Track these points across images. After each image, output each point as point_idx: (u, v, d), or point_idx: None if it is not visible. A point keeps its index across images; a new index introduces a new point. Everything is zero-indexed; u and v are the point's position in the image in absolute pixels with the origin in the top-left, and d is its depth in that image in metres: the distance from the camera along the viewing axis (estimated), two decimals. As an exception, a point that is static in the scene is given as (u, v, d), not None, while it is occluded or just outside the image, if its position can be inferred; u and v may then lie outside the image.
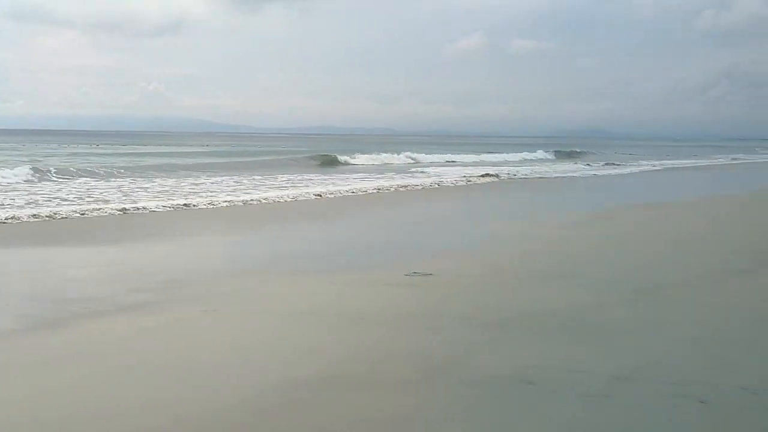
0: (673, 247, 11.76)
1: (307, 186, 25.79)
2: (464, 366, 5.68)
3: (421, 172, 37.24)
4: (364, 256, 11.36)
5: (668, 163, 54.16)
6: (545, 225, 15.02)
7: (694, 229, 14.65)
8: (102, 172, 30.85)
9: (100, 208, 17.10)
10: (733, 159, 65.62)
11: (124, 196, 21.24)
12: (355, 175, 32.80)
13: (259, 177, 29.66)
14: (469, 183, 29.39)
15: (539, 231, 14.01)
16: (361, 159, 45.92)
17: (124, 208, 17.24)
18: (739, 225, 14.90)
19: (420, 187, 26.57)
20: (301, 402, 4.91)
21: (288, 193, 22.49)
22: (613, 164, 49.54)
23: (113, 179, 27.82)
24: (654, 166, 48.89)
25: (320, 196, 22.19)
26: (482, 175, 32.67)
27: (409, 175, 34.66)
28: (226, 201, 19.92)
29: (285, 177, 30.31)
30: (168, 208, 17.85)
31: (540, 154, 62.42)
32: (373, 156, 47.81)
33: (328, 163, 43.17)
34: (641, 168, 45.45)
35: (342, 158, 44.94)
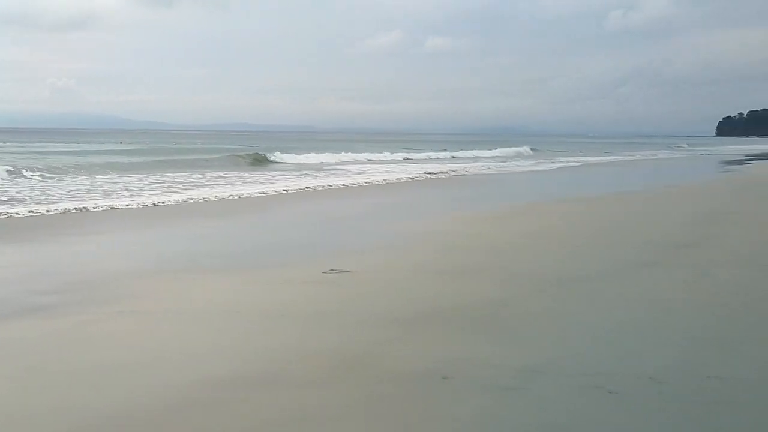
0: (584, 241, 12.03)
1: (234, 185, 25.35)
2: (379, 362, 5.68)
3: (361, 170, 37.04)
4: (282, 253, 11.26)
5: (582, 159, 55.73)
6: (462, 220, 15.18)
7: (605, 223, 14.99)
8: (8, 171, 29.57)
9: (7, 213, 16.19)
10: (651, 155, 68.06)
11: (32, 195, 20.44)
12: (287, 174, 32.52)
13: (185, 175, 29.00)
14: (402, 180, 29.45)
15: (456, 227, 14.16)
16: (292, 157, 44.75)
17: (31, 210, 16.52)
18: (649, 219, 15.31)
19: (348, 186, 26.52)
20: (213, 401, 4.84)
21: (212, 192, 22.10)
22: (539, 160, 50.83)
23: (21, 178, 26.76)
24: (569, 162, 50.14)
25: (237, 197, 21.89)
26: (429, 173, 32.83)
27: (343, 173, 34.53)
28: (147, 201, 19.33)
29: (213, 174, 29.82)
30: (81, 209, 17.21)
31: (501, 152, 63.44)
32: (310, 155, 46.88)
33: (257, 161, 41.66)
34: (557, 164, 46.50)
35: (271, 156, 43.92)
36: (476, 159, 53.20)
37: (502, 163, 47.05)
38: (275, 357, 5.83)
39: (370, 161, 47.63)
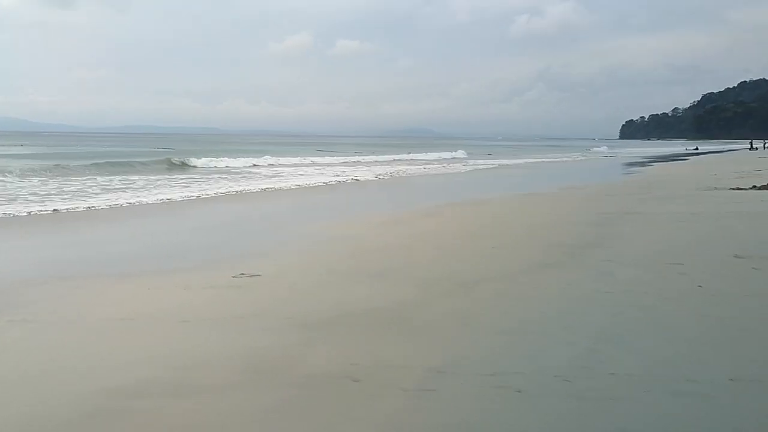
0: (492, 242, 12.20)
1: (141, 189, 24.92)
2: (290, 366, 5.68)
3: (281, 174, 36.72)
4: (191, 258, 11.13)
5: (492, 162, 56.78)
6: (372, 223, 15.26)
7: (512, 224, 15.26)
8: None
9: None
10: (558, 158, 69.89)
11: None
12: (200, 177, 32.10)
13: (91, 179, 28.33)
14: (320, 185, 29.33)
15: (368, 229, 14.22)
16: (207, 161, 43.83)
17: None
18: (554, 220, 15.67)
19: (263, 190, 26.35)
20: (120, 411, 4.77)
21: (120, 197, 21.70)
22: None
23: None
24: (478, 165, 51.02)
25: (145, 202, 21.46)
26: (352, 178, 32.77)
27: (259, 176, 34.23)
28: (48, 206, 18.84)
29: (119, 179, 29.30)
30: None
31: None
32: (225, 159, 45.95)
33: (175, 166, 40.46)
34: (468, 167, 47.23)
35: (186, 160, 42.69)
36: (396, 162, 53.69)
37: (434, 166, 47.57)
38: (183, 363, 5.76)
39: (292, 165, 47.38)
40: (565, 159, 69.27)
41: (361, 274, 9.54)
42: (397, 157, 62.28)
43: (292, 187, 28.12)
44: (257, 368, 5.63)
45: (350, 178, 34.00)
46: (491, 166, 49.62)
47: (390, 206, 20.49)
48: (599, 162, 63.34)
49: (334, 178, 32.95)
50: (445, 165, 51.28)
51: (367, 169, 43.04)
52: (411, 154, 67.12)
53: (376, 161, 55.96)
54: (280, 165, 46.40)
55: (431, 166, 49.32)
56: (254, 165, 44.76)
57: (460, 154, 71.79)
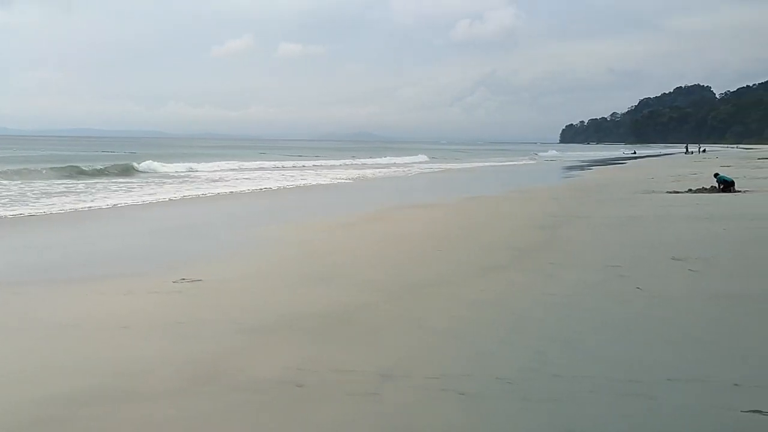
0: (437, 246, 12.28)
1: (90, 194, 24.36)
2: (233, 372, 5.62)
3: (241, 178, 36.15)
4: (132, 263, 10.97)
5: (440, 166, 57.21)
6: (316, 227, 15.22)
7: (457, 228, 15.34)
8: None
9: None
10: (502, 161, 70.80)
11: None
12: (149, 182, 31.55)
13: (32, 184, 27.56)
14: (266, 189, 29.07)
15: (310, 234, 14.17)
16: (159, 165, 42.60)
17: None
18: (498, 223, 15.83)
19: (210, 195, 26.05)
20: (57, 420, 4.66)
21: (62, 202, 21.19)
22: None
23: None
24: (423, 169, 51.29)
25: (71, 209, 21.04)
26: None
27: (208, 181, 33.70)
28: None
29: (59, 183, 28.70)
30: None
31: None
32: (176, 165, 44.72)
33: (119, 170, 38.70)
34: (414, 171, 47.43)
35: (137, 165, 41.23)
36: (344, 166, 53.61)
37: (387, 169, 47.59)
38: (125, 370, 5.66)
39: (237, 169, 46.74)
40: (513, 162, 70.10)
41: (306, 278, 9.49)
42: (346, 161, 62.15)
43: (238, 191, 27.81)
44: (200, 374, 5.56)
45: (299, 182, 33.85)
46: (439, 170, 49.90)
47: (337, 210, 20.45)
48: (544, 165, 64.24)
49: (281, 183, 32.72)
50: (396, 169, 51.32)
51: (315, 173, 42.89)
52: (357, 159, 67.06)
53: (324, 165, 55.74)
54: (226, 169, 45.75)
55: (383, 170, 49.32)
56: (198, 169, 43.97)
57: (421, 158, 72.14)
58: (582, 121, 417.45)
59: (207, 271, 9.89)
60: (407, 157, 70.55)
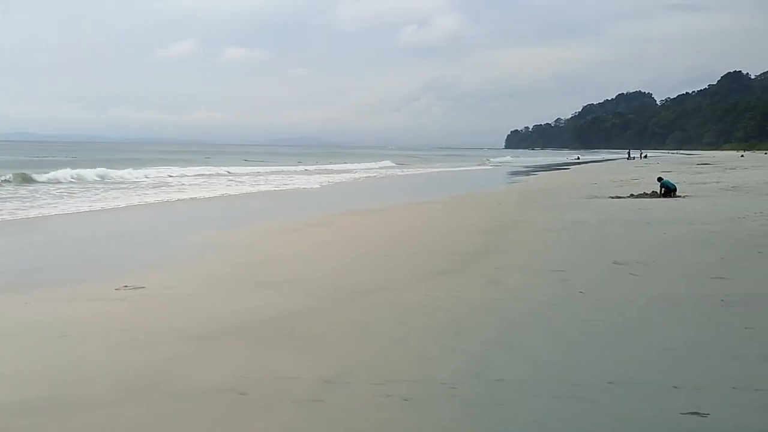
0: (383, 251, 12.29)
1: (31, 201, 23.77)
2: (176, 380, 5.55)
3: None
4: (73, 270, 10.78)
5: (392, 172, 57.35)
6: (265, 233, 15.14)
7: (403, 233, 15.39)
8: None
9: None
10: (447, 167, 71.24)
11: None
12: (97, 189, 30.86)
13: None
14: (213, 196, 28.64)
15: (256, 239, 14.08)
16: (102, 171, 40.63)
17: None
18: (443, 228, 15.90)
19: (157, 202, 25.66)
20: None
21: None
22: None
23: None
24: (369, 173, 51.35)
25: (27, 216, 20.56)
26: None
27: (153, 186, 33.11)
28: None
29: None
30: None
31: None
32: (120, 170, 43.28)
33: (60, 176, 37.19)
34: (356, 175, 47.46)
35: (79, 172, 39.34)
36: (295, 172, 53.14)
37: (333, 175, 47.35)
38: (65, 380, 5.56)
39: (181, 175, 45.75)
40: (466, 168, 70.58)
41: (251, 284, 9.43)
42: (294, 168, 61.54)
43: (184, 198, 27.39)
44: (141, 383, 5.47)
45: (247, 188, 33.58)
46: (386, 175, 49.99)
47: (284, 215, 20.34)
48: (493, 171, 64.89)
49: (229, 189, 32.41)
50: (348, 175, 51.21)
51: (263, 178, 42.58)
52: (310, 165, 66.67)
53: (275, 171, 55.14)
54: (173, 175, 44.90)
55: (332, 175, 49.19)
56: (143, 175, 42.94)
57: (386, 163, 72.51)
58: (527, 127, 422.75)
59: (151, 277, 9.76)
60: (368, 163, 70.60)
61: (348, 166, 66.46)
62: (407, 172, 57.39)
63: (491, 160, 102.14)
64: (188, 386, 5.42)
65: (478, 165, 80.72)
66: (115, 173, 40.99)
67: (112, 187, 32.52)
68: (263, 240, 13.99)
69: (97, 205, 22.86)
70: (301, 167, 61.46)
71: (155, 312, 7.88)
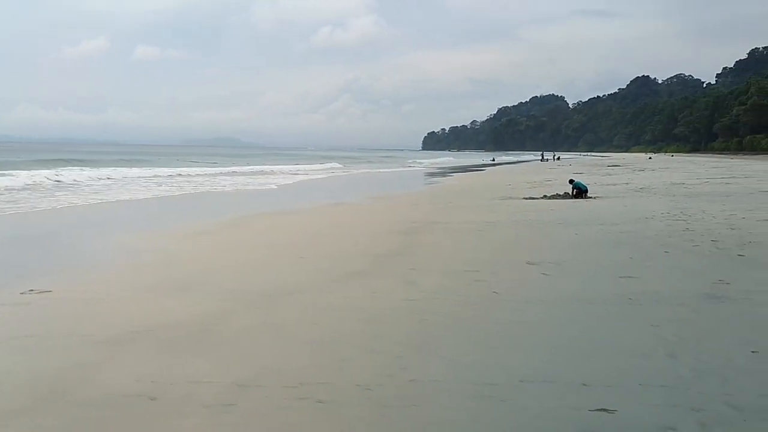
0: (297, 253, 12.19)
1: None
2: (83, 386, 5.40)
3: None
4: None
5: (306, 174, 57.01)
6: (176, 235, 14.84)
7: (321, 234, 15.31)
8: None
9: None
10: (369, 168, 71.29)
11: None
12: None
13: None
14: (126, 199, 27.73)
15: (169, 242, 13.80)
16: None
17: None
18: (358, 230, 15.89)
19: (68, 205, 24.81)
20: None
21: None
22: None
23: None
24: (287, 176, 51.05)
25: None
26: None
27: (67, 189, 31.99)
28: None
29: None
30: None
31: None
32: (27, 171, 41.45)
33: None
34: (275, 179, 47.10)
35: None
36: (211, 175, 51.94)
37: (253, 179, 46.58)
38: (-36, 389, 5.34)
39: (95, 177, 44.17)
40: (382, 169, 70.74)
41: (164, 287, 9.23)
42: (210, 170, 60.21)
43: (96, 201, 26.51)
44: (48, 390, 5.30)
45: (160, 191, 32.86)
46: (303, 178, 49.75)
47: (199, 217, 20.00)
48: (408, 172, 65.28)
49: (138, 191, 31.66)
50: (261, 177, 50.68)
51: (172, 181, 41.68)
52: (219, 166, 65.52)
53: (190, 173, 53.98)
54: (85, 177, 43.42)
55: (253, 178, 48.52)
56: (53, 176, 41.26)
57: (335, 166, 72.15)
58: (443, 129, 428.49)
59: (58, 281, 9.47)
60: (287, 165, 69.85)
61: (270, 167, 65.63)
62: (330, 174, 57.12)
63: (416, 161, 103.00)
64: (96, 393, 5.27)
65: (399, 167, 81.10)
66: (25, 174, 39.53)
67: (20, 189, 31.39)
68: (179, 242, 13.73)
69: (7, 208, 22.00)
70: (210, 169, 60.36)
71: (62, 316, 7.63)
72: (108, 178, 39.71)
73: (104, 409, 4.96)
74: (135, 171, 49.05)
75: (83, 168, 49.10)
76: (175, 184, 36.13)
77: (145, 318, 7.51)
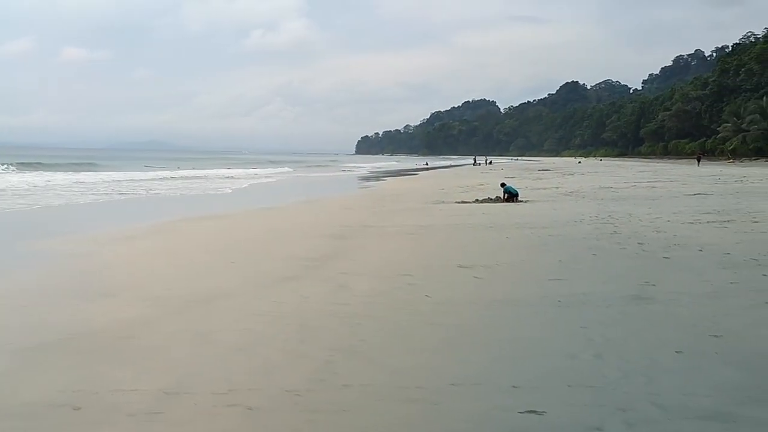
0: (227, 258, 12.07)
1: None
2: (2, 397, 5.24)
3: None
4: None
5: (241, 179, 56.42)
6: (104, 240, 14.52)
7: (252, 238, 15.18)
8: None
9: None
10: (304, 173, 70.88)
11: None
12: None
13: None
14: (51, 205, 26.93)
15: (95, 247, 13.49)
16: None
17: None
18: (290, 234, 15.79)
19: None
20: None
21: None
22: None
23: None
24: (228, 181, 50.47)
25: None
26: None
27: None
28: None
29: None
30: None
31: None
32: None
33: None
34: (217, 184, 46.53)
35: None
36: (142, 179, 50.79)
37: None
38: None
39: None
40: (317, 174, 70.53)
41: (88, 293, 9.02)
42: (143, 175, 58.78)
43: (21, 205, 25.78)
44: (-38, 402, 5.12)
45: (85, 197, 32.08)
46: (236, 183, 49.27)
47: (125, 222, 19.65)
48: (343, 176, 65.25)
49: (61, 195, 30.85)
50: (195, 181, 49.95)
51: (95, 183, 40.76)
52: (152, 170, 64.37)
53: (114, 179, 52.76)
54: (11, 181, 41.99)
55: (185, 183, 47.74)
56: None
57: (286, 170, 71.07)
58: (377, 133, 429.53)
59: (-24, 288, 9.16)
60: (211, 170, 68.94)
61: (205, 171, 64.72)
62: (268, 178, 56.60)
63: (346, 165, 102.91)
64: (15, 403, 5.12)
65: (334, 171, 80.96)
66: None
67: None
68: (104, 248, 13.42)
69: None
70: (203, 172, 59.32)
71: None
72: (47, 182, 38.54)
73: (25, 420, 4.82)
74: (63, 176, 47.70)
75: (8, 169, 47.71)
76: (108, 190, 35.23)
77: (67, 325, 7.32)
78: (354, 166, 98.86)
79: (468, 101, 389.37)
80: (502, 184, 25.84)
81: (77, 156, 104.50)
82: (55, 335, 6.89)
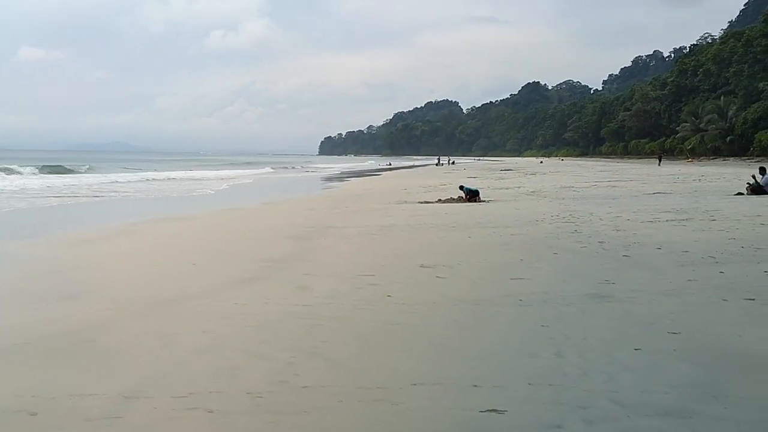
0: (192, 259, 11.98)
1: None
2: (-44, 404, 5.12)
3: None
4: None
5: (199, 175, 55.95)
6: (65, 242, 14.35)
7: (214, 240, 15.10)
8: None
9: None
10: (266, 173, 70.48)
11: None
12: None
13: None
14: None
15: (56, 249, 13.32)
16: None
17: None
18: (249, 235, 15.72)
19: None
20: None
21: None
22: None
23: None
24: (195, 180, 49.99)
25: None
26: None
27: None
28: None
29: None
30: None
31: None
32: None
33: None
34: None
35: None
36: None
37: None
38: None
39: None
40: (280, 175, 70.24)
41: (47, 296, 8.92)
42: (101, 177, 57.93)
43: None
44: None
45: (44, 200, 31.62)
46: (199, 186, 48.87)
47: (86, 224, 19.40)
48: (306, 177, 65.10)
49: (20, 197, 30.42)
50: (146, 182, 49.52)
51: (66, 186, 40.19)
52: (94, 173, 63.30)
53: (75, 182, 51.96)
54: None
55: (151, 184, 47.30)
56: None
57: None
58: (340, 134, 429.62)
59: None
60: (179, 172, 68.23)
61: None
62: (230, 180, 56.20)
63: (308, 165, 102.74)
64: (-29, 409, 5.00)
65: (297, 171, 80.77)
66: None
67: None
68: (65, 250, 13.25)
69: None
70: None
71: (-65, 330, 7.22)
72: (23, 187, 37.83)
73: (-21, 426, 4.72)
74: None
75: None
76: (72, 191, 34.75)
77: (25, 328, 7.21)
78: (317, 167, 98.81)
79: (431, 102, 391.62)
80: (461, 187, 25.93)
81: (41, 158, 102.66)
82: (10, 340, 6.78)
